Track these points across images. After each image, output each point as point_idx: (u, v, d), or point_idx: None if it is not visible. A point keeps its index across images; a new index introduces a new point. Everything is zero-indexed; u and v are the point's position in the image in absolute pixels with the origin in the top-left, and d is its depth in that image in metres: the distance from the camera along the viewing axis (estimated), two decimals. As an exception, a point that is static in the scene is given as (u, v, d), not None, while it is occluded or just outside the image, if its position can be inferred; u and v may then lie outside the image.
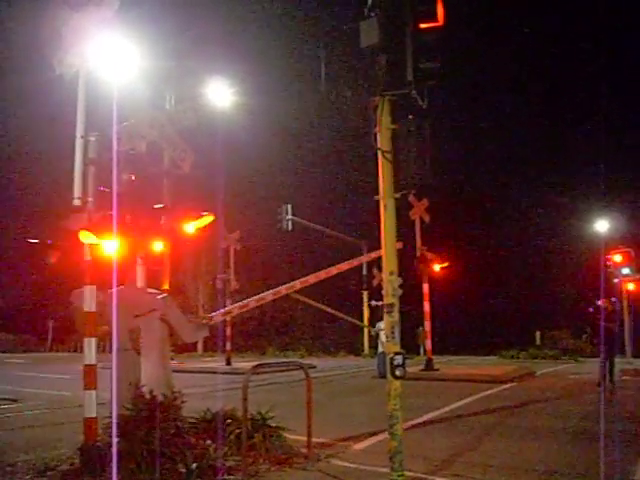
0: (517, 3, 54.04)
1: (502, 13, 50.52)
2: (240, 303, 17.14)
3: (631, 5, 45.10)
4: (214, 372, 23.11)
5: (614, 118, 48.30)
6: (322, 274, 20.36)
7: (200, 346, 39.80)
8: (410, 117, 6.53)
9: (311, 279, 19.90)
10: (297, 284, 20.61)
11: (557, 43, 58.23)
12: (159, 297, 8.61)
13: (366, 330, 34.21)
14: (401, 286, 7.03)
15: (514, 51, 54.69)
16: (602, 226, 29.04)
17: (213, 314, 12.09)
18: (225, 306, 28.60)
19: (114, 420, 6.72)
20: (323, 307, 23.94)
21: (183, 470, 6.64)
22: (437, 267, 23.90)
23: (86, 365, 6.96)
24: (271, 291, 18.55)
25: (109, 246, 7.18)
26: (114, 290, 7.33)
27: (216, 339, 29.27)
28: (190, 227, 8.45)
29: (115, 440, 6.45)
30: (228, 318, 27.72)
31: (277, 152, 43.21)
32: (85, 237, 6.97)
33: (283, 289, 19.46)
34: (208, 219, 8.54)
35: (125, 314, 7.69)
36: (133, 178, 8.15)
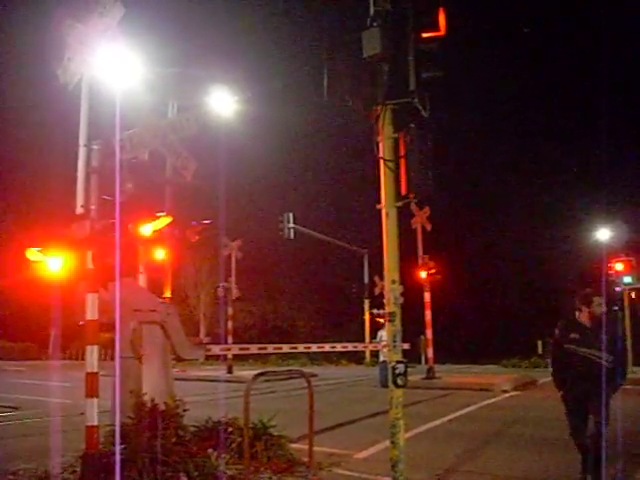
0: (518, 6, 54.26)
1: (503, 18, 50.67)
2: (241, 345, 17.50)
3: (632, 6, 45.20)
4: (216, 380, 23.08)
5: (616, 125, 48.39)
6: (326, 346, 21.01)
7: (201, 354, 39.67)
8: (412, 126, 6.55)
9: (313, 347, 20.36)
10: (300, 347, 21.10)
11: (558, 46, 58.48)
12: (160, 301, 8.63)
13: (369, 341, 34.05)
14: (403, 294, 7.04)
15: (516, 57, 54.91)
16: (604, 234, 29.00)
17: (211, 346, 12.15)
18: (227, 314, 28.68)
19: (117, 428, 6.71)
20: (329, 348, 24.12)
21: (185, 478, 6.63)
22: (438, 276, 23.92)
23: (88, 373, 6.95)
24: (272, 345, 18.98)
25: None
26: (117, 283, 7.30)
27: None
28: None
29: (119, 448, 6.44)
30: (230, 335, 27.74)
31: (279, 160, 43.37)
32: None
33: (286, 347, 19.91)
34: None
35: (126, 308, 7.67)
36: (136, 186, 8.17)
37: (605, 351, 6.61)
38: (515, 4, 51.94)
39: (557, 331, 7.14)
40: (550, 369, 7.28)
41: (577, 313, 7.00)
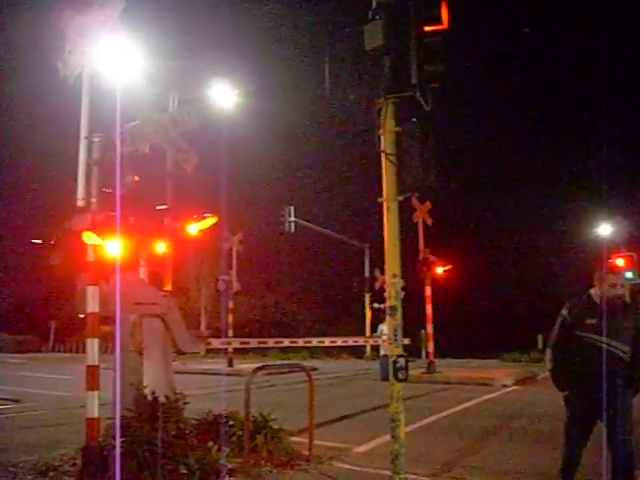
0: (518, 6, 54.22)
1: (503, 18, 50.63)
2: (242, 339, 17.71)
3: (632, 6, 45.14)
4: (216, 374, 23.11)
5: (617, 122, 48.33)
6: (326, 340, 21.32)
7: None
8: (414, 120, 6.53)
9: (313, 341, 20.59)
10: (300, 341, 21.31)
11: (559, 46, 58.40)
12: (161, 294, 8.62)
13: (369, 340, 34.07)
14: (404, 289, 7.04)
15: (517, 54, 54.84)
16: (605, 230, 29.00)
17: (212, 340, 12.16)
18: (228, 307, 28.69)
19: (117, 421, 6.72)
20: (330, 343, 24.30)
21: (185, 471, 6.63)
22: (439, 270, 23.92)
23: (89, 366, 6.96)
24: (273, 339, 19.15)
25: (112, 247, 7.17)
26: (117, 277, 7.29)
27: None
28: (193, 228, 8.45)
29: (119, 441, 6.44)
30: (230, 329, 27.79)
31: (280, 154, 43.33)
32: (89, 238, 6.97)
33: (286, 341, 20.03)
34: (211, 220, 8.53)
35: (126, 301, 7.65)
36: (137, 179, 8.16)
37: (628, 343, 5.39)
38: (515, 4, 51.87)
39: (566, 313, 5.68)
40: (549, 363, 5.76)
41: (592, 292, 5.69)
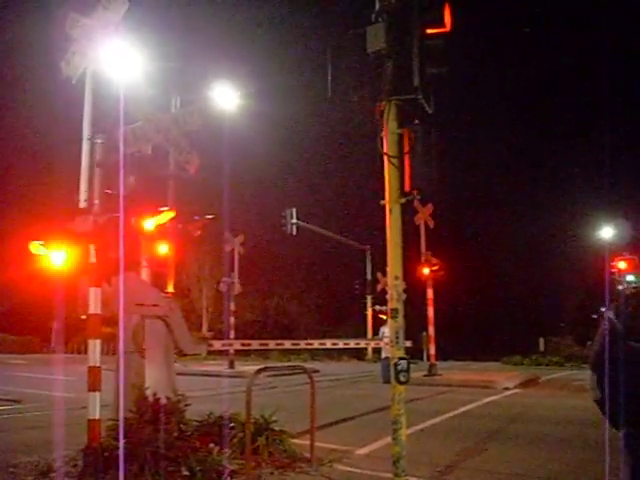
0: (518, 6, 54.28)
1: (503, 17, 50.65)
2: (243, 340, 17.86)
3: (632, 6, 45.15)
4: (218, 375, 23.10)
5: (619, 123, 48.31)
6: (327, 343, 21.39)
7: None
8: (416, 122, 6.53)
9: (315, 344, 20.67)
10: (302, 343, 21.42)
11: (559, 46, 58.43)
12: (162, 296, 8.63)
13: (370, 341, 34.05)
14: (405, 291, 7.02)
15: (519, 56, 54.82)
16: (607, 233, 28.97)
17: (214, 342, 12.21)
18: (230, 309, 28.68)
19: (121, 422, 6.72)
20: (331, 345, 24.34)
21: (186, 473, 6.63)
22: (441, 272, 23.89)
23: (90, 367, 6.96)
24: (274, 341, 19.23)
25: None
26: (120, 277, 7.30)
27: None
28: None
29: (122, 442, 6.44)
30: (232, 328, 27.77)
31: (282, 156, 43.37)
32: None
33: (287, 343, 20.06)
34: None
35: (128, 302, 7.65)
36: (139, 181, 8.17)
37: None
38: (515, 4, 51.92)
39: (612, 317, 3.87)
40: (594, 392, 3.93)
41: None
